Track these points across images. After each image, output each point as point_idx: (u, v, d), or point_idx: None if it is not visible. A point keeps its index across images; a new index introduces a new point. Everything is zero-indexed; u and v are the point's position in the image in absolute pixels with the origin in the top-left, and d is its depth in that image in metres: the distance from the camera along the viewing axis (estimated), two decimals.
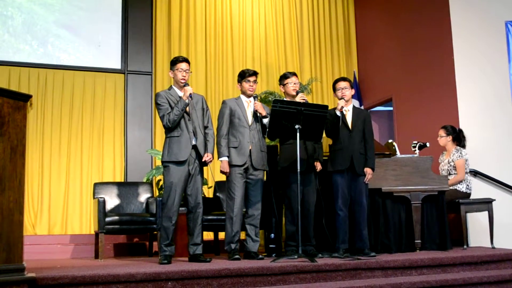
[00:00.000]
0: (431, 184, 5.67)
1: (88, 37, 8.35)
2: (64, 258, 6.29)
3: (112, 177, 8.04)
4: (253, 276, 4.05)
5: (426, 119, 7.68)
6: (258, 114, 5.10)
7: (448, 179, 5.90)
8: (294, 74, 5.40)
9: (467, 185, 6.15)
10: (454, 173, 6.16)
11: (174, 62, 4.95)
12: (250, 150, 5.03)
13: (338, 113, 5.07)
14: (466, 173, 6.18)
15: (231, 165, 5.02)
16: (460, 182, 6.11)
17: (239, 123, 5.08)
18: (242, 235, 5.26)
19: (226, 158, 5.02)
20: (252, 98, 5.21)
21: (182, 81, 4.89)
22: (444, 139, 6.39)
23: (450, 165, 6.20)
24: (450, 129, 6.40)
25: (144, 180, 6.87)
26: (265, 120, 5.09)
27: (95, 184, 6.52)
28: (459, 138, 6.39)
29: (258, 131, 5.12)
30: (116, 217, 5.81)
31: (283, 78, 5.40)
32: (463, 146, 6.37)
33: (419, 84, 8.02)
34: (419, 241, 5.59)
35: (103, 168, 8.08)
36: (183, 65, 4.91)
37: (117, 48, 8.48)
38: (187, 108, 4.84)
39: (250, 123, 5.10)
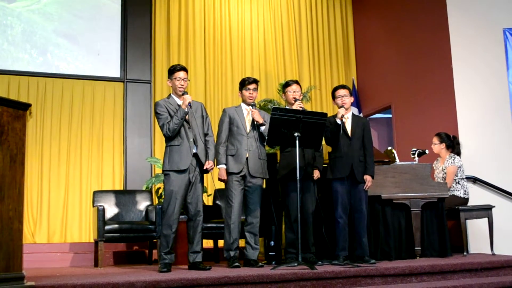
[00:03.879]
0: (430, 191, 5.68)
1: (87, 46, 8.37)
2: (63, 266, 6.27)
3: (111, 185, 8.04)
4: (253, 284, 4.05)
5: (425, 126, 7.69)
6: (255, 122, 5.11)
7: (446, 186, 5.88)
8: (295, 82, 5.42)
9: (464, 190, 6.15)
10: None
11: (171, 71, 4.96)
12: (247, 158, 5.04)
13: (338, 121, 5.07)
14: (462, 178, 6.18)
15: (228, 173, 5.03)
16: (448, 189, 6.10)
17: (237, 131, 5.10)
18: (242, 243, 5.25)
19: (223, 166, 5.03)
20: (251, 106, 5.22)
21: (181, 89, 4.90)
22: (438, 147, 6.40)
23: (444, 173, 6.21)
24: (444, 137, 6.40)
25: (144, 188, 6.86)
26: (262, 128, 5.09)
27: (95, 192, 6.52)
28: (453, 145, 6.39)
29: (256, 139, 5.12)
30: (116, 225, 5.80)
31: (285, 86, 5.43)
32: (458, 153, 6.37)
33: (418, 91, 8.04)
34: (419, 248, 5.59)
35: (103, 176, 8.08)
36: (181, 74, 4.92)
37: (116, 56, 8.50)
38: (187, 117, 4.84)
39: (248, 131, 5.11)
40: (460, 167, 6.18)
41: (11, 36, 7.99)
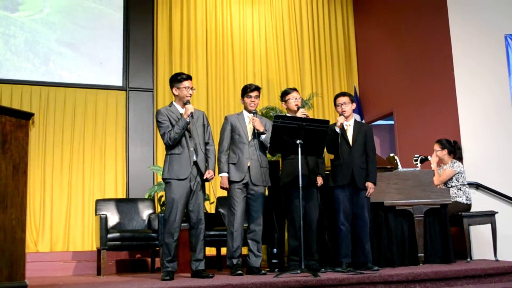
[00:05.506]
0: (433, 197, 5.67)
1: (89, 55, 8.41)
2: (66, 275, 6.27)
3: (114, 193, 8.04)
4: None
5: (427, 132, 7.69)
6: (256, 131, 5.10)
7: (449, 192, 5.87)
8: (295, 89, 5.42)
9: (467, 196, 6.15)
10: (450, 185, 6.16)
11: (178, 80, 4.92)
12: (248, 166, 5.03)
13: (337, 129, 5.08)
14: (464, 184, 6.17)
15: (230, 181, 5.02)
16: (437, 185, 6.09)
17: (239, 139, 5.09)
18: (245, 251, 5.24)
19: (225, 174, 5.03)
20: (252, 114, 5.21)
21: (188, 98, 4.89)
22: (440, 153, 6.40)
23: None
24: (445, 143, 6.41)
25: (146, 196, 6.87)
26: (263, 137, 5.08)
27: (97, 201, 6.52)
28: (454, 151, 6.40)
29: (258, 147, 5.11)
30: (118, 234, 5.80)
31: (284, 94, 5.41)
32: (460, 158, 6.37)
33: (420, 97, 8.04)
34: (422, 254, 5.58)
35: (105, 184, 8.08)
36: (188, 83, 4.91)
37: (119, 65, 8.52)
38: (188, 126, 4.84)
39: (249, 139, 5.10)
40: (460, 172, 6.18)
41: (14, 46, 8.02)
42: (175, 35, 8.87)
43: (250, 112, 5.19)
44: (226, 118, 5.26)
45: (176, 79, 4.95)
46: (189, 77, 4.95)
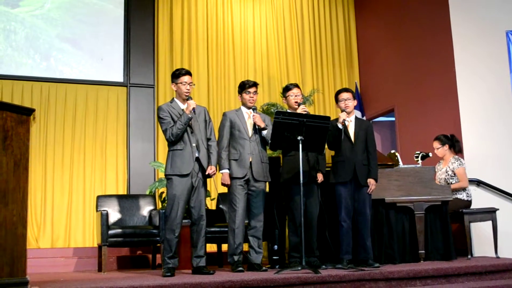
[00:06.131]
0: (434, 194, 5.66)
1: (90, 51, 8.40)
2: (67, 271, 6.28)
3: (115, 189, 8.05)
4: None
5: (428, 129, 7.68)
6: (257, 126, 5.09)
7: (449, 189, 5.86)
8: (296, 85, 5.39)
9: (467, 193, 6.14)
10: (451, 182, 6.15)
11: (177, 75, 4.91)
12: (250, 162, 5.02)
13: (339, 125, 5.07)
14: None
15: (232, 177, 5.01)
16: (464, 188, 6.10)
17: (239, 135, 5.08)
18: (245, 247, 5.25)
19: (227, 171, 5.01)
20: (251, 110, 5.20)
21: (187, 94, 4.89)
22: (442, 150, 6.39)
23: (448, 174, 6.19)
24: (444, 139, 6.39)
25: (147, 193, 6.87)
26: (264, 132, 5.07)
27: (98, 197, 6.52)
28: (454, 144, 6.39)
29: (258, 143, 5.10)
30: (119, 230, 5.80)
31: (285, 90, 5.39)
32: (460, 150, 6.36)
33: (421, 94, 8.03)
34: (423, 251, 5.58)
35: (106, 180, 8.09)
36: (187, 78, 4.89)
37: (120, 61, 8.52)
38: (190, 122, 4.83)
39: (250, 135, 5.09)
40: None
41: (14, 42, 8.02)
42: (176, 31, 8.86)
43: (249, 108, 5.18)
44: (224, 114, 5.23)
45: (175, 75, 4.94)
46: (188, 73, 4.93)
